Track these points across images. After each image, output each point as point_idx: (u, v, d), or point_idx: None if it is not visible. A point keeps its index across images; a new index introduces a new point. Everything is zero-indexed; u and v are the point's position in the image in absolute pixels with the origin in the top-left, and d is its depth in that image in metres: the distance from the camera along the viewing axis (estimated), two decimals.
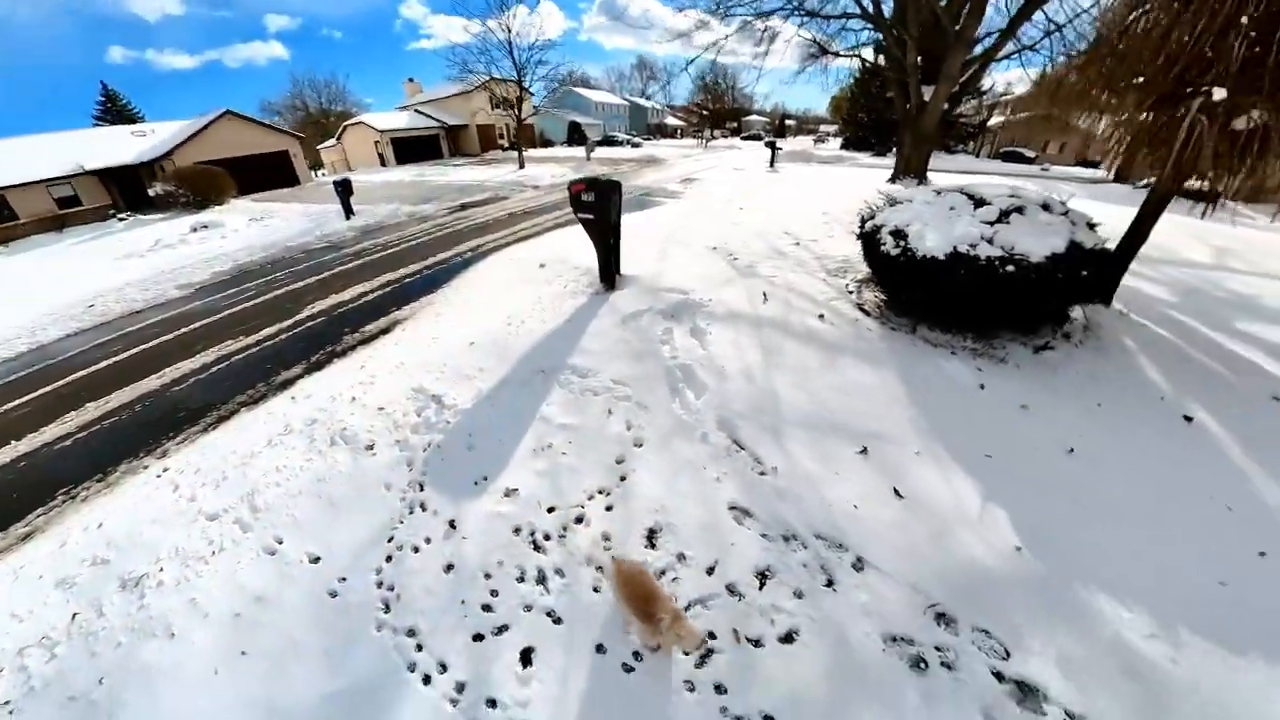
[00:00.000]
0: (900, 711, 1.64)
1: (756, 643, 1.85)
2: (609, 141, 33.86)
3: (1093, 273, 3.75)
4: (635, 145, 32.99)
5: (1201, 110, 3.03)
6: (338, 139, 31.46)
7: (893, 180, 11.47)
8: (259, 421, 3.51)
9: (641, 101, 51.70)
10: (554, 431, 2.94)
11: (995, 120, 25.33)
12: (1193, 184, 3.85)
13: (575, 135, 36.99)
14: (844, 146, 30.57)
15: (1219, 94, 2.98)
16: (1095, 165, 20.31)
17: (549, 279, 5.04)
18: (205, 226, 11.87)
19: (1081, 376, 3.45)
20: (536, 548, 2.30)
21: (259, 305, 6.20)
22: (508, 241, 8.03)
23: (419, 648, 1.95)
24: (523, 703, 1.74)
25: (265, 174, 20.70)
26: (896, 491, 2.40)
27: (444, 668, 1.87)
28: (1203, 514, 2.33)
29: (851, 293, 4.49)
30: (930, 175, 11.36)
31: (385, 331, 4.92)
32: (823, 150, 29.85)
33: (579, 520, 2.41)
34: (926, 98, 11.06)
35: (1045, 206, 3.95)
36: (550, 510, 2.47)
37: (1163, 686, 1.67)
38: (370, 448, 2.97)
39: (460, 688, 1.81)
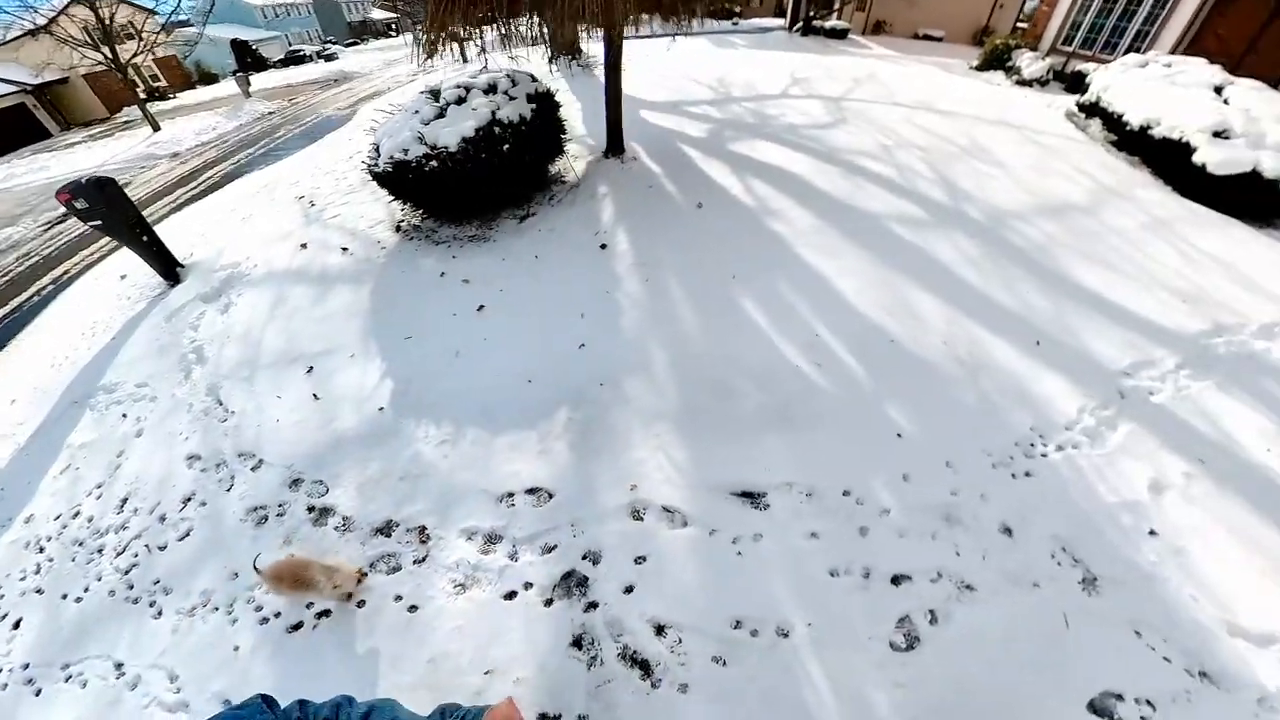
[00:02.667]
0: (237, 554, 2.54)
1: (163, 547, 2.68)
2: (295, 59, 27.53)
3: (535, 140, 4.47)
4: (329, 59, 27.78)
5: None
6: None
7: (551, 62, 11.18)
8: None
9: None
10: (75, 454, 3.39)
11: None
12: None
13: (246, 59, 29.23)
14: None
15: None
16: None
17: (121, 294, 4.99)
18: None
19: (542, 233, 4.35)
20: (40, 550, 2.92)
21: None
22: (106, 251, 7.08)
23: None
24: None
25: None
26: (315, 395, 3.22)
27: None
28: (563, 333, 3.29)
29: (400, 214, 4.96)
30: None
31: None
32: None
33: (75, 515, 3.02)
34: None
35: (490, 88, 4.51)
36: (56, 518, 3.05)
37: (428, 474, 2.65)
38: None
39: None
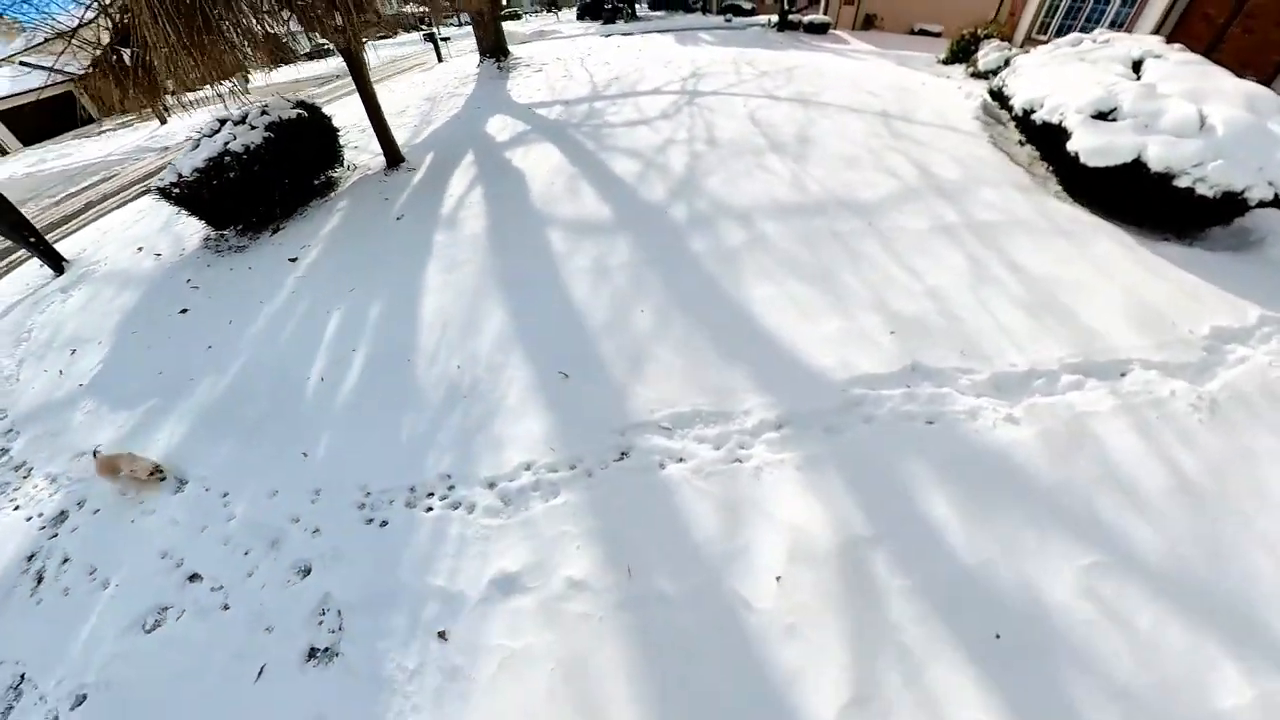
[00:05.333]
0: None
1: None
2: (317, 53, 22.89)
3: (279, 164, 5.33)
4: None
5: None
6: None
7: (485, 56, 11.62)
8: None
9: None
10: None
11: None
12: None
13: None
14: (584, 16, 25.17)
15: None
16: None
17: (33, 278, 6.63)
18: None
19: (272, 246, 5.29)
20: None
21: None
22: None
23: None
24: None
25: None
26: (60, 371, 4.48)
27: None
28: (207, 340, 4.37)
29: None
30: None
31: None
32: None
33: None
34: None
35: (242, 119, 5.37)
36: None
37: (69, 429, 3.87)
38: None
39: None
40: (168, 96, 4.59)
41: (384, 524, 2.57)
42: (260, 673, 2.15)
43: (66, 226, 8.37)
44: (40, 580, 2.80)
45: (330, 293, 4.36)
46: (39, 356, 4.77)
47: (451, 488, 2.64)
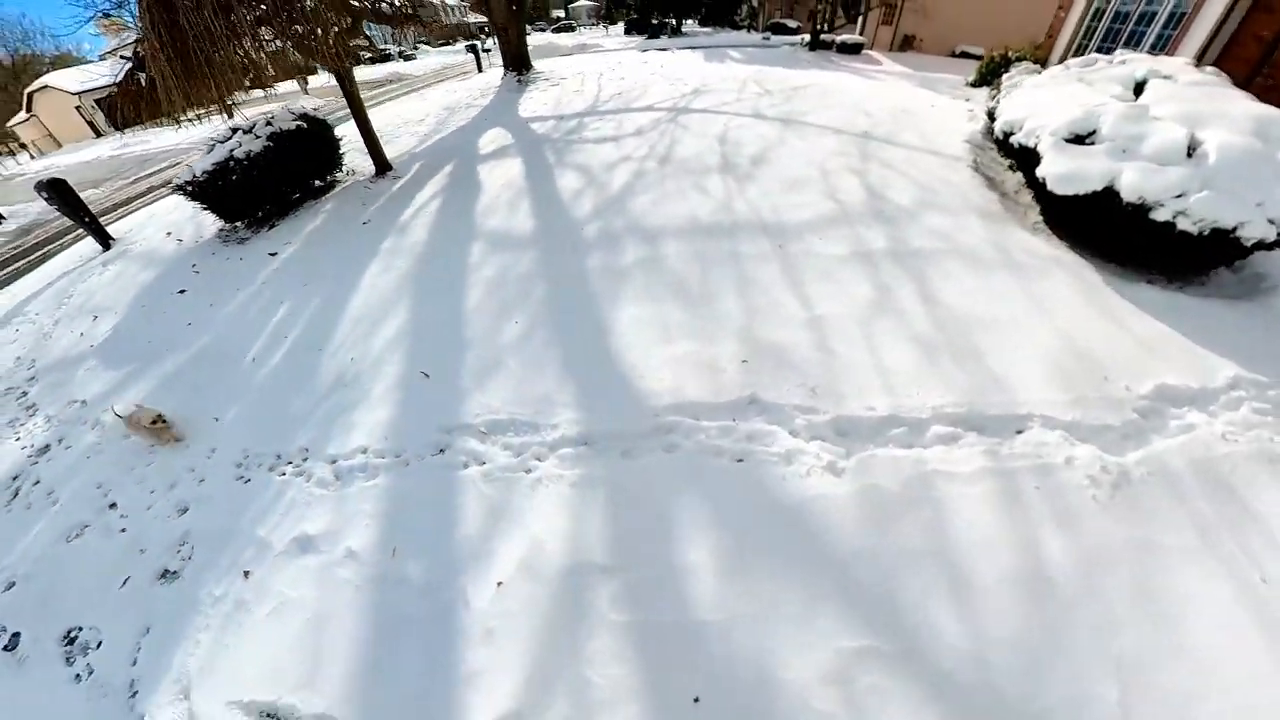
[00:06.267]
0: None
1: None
2: (382, 58, 29.46)
3: (274, 169, 6.16)
4: (407, 59, 30.04)
5: None
6: (27, 110, 24.56)
7: (507, 69, 12.29)
8: None
9: None
10: None
11: None
12: None
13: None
14: (630, 31, 25.92)
15: None
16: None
17: (85, 250, 7.89)
18: None
19: (263, 240, 6.12)
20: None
21: None
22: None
23: None
24: None
25: None
26: (81, 334, 5.47)
27: None
28: (188, 316, 5.24)
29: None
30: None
31: None
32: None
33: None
34: None
35: (250, 129, 6.24)
36: None
37: (70, 381, 4.80)
38: None
39: None
40: (184, 111, 5.47)
41: (247, 481, 3.19)
42: (125, 582, 2.81)
43: (128, 207, 9.77)
44: (15, 495, 3.63)
45: (289, 285, 5.09)
46: (71, 318, 5.81)
47: (305, 459, 3.22)
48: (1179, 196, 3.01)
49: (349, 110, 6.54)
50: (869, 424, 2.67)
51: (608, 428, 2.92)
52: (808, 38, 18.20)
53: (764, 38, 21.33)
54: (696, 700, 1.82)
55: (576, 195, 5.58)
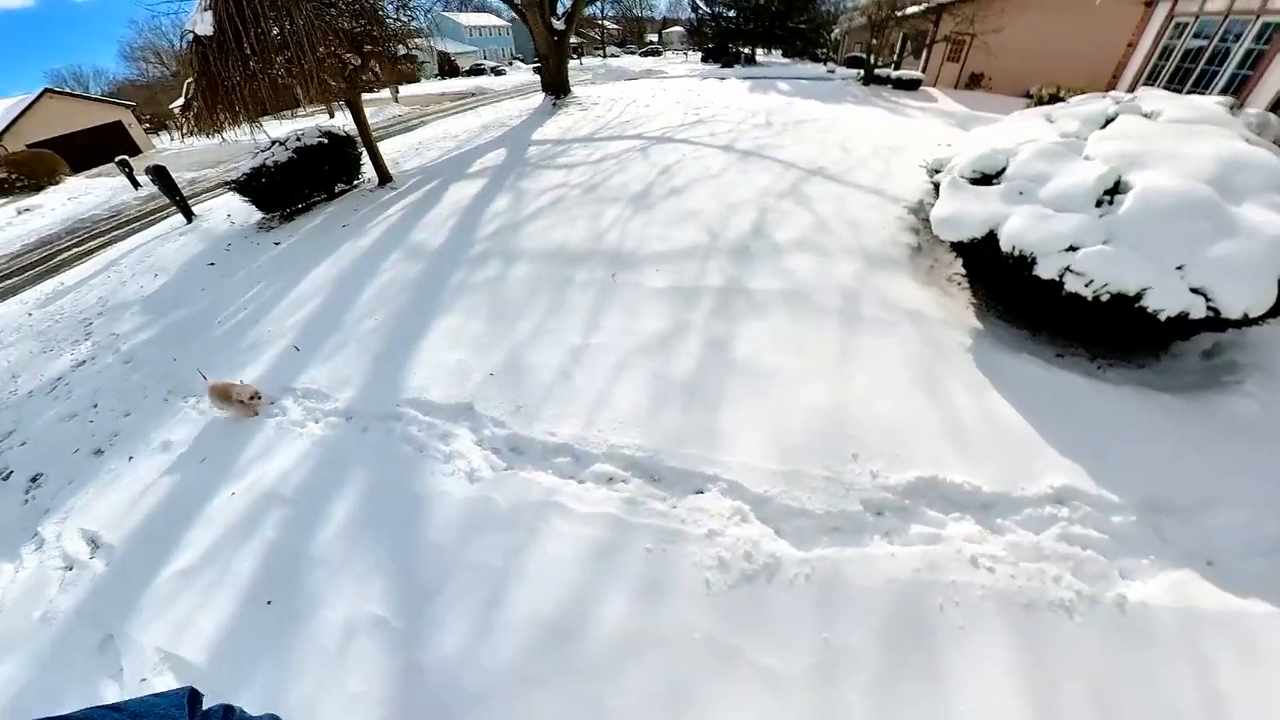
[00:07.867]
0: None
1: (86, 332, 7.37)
2: (477, 71, 35.08)
3: (299, 176, 7.95)
4: (498, 73, 34.76)
5: None
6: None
7: (546, 93, 13.71)
8: None
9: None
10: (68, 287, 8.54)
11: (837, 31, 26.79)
12: None
13: (444, 66, 37.95)
14: (707, 59, 27.19)
15: None
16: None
17: (179, 223, 10.35)
18: (28, 210, 13.51)
19: (273, 231, 7.91)
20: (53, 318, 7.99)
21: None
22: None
23: None
24: None
25: (100, 147, 19.52)
26: (142, 287, 7.53)
27: None
28: (203, 285, 7.10)
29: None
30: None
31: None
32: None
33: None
34: None
35: (282, 142, 8.06)
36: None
37: (143, 350, 6.78)
38: None
39: None
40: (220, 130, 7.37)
41: (166, 402, 4.71)
42: (75, 451, 4.39)
43: (218, 190, 12.44)
44: (53, 390, 5.48)
45: (270, 270, 6.75)
46: (144, 273, 7.97)
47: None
48: (1067, 250, 2.49)
49: (357, 132, 8.22)
50: (540, 448, 2.90)
51: (365, 408, 3.86)
52: (861, 72, 18.15)
53: (828, 70, 21.37)
54: (270, 603, 2.46)
55: (494, 217, 6.70)
